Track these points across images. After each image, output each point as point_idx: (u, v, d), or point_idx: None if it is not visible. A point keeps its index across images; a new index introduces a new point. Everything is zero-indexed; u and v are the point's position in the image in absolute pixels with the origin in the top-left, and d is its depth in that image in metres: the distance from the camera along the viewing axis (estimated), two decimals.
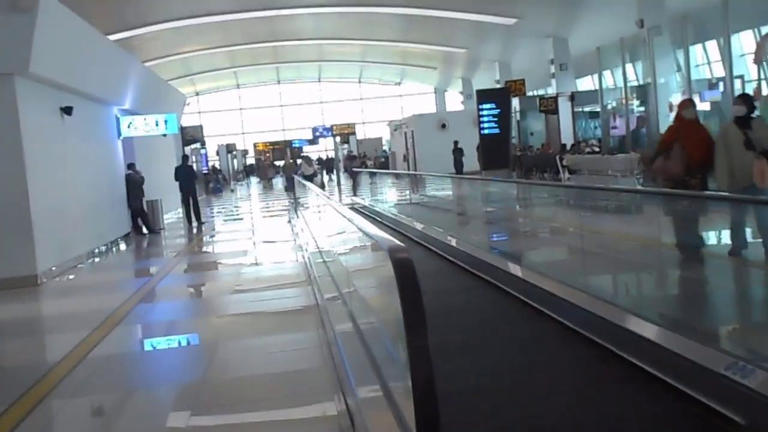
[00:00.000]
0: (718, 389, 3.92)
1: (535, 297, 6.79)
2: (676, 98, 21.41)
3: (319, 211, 12.75)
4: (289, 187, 27.89)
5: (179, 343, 7.20)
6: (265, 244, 14.90)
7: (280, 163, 48.40)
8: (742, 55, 22.15)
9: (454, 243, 10.32)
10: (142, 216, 17.53)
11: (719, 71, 24.33)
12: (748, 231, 6.69)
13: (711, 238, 7.77)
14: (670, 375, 4.32)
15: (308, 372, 5.57)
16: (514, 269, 7.86)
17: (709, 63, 25.81)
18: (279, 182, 42.85)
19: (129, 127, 17.73)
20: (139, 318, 8.43)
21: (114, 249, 15.50)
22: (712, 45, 25.13)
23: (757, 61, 17.92)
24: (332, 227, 9.31)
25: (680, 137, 8.11)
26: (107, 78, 16.08)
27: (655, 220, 8.73)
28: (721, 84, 22.39)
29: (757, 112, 7.95)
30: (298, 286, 9.14)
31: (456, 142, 30.01)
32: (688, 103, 8.57)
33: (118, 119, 17.50)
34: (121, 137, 17.64)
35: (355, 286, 5.89)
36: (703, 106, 21.65)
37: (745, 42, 22.48)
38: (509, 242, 11.37)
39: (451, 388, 4.49)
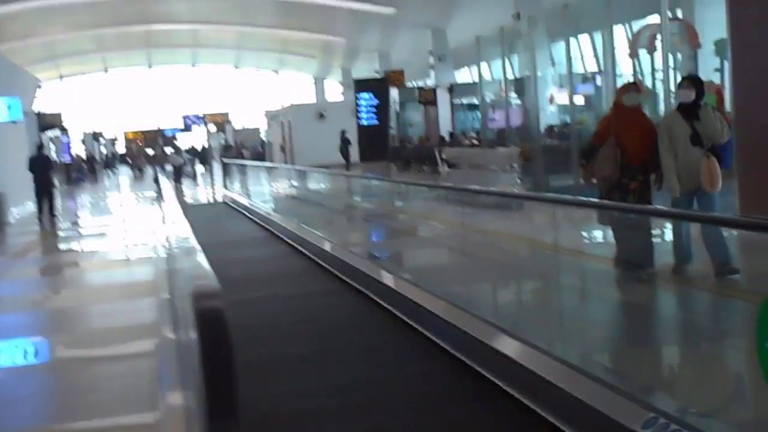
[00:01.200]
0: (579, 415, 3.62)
1: (400, 305, 6.26)
2: (554, 91, 21.35)
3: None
4: (157, 179, 26.38)
5: None
6: (117, 242, 13.66)
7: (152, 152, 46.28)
8: (617, 49, 22.34)
9: (322, 242, 9.56)
10: None
11: (592, 66, 24.58)
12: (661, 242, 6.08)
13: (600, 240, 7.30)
14: (526, 395, 4.04)
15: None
16: (383, 275, 7.15)
17: (582, 57, 26.05)
18: (151, 172, 40.91)
19: None
20: None
21: None
22: (585, 39, 25.35)
23: (633, 54, 17.95)
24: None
25: (618, 129, 6.48)
26: None
27: (537, 218, 8.19)
28: (598, 78, 22.49)
29: (704, 100, 6.45)
30: (143, 297, 8.10)
31: (343, 132, 29.21)
32: (629, 87, 6.85)
33: None
34: None
35: None
36: (576, 100, 21.70)
37: (618, 37, 22.68)
38: (381, 244, 10.73)
39: (296, 406, 4.28)
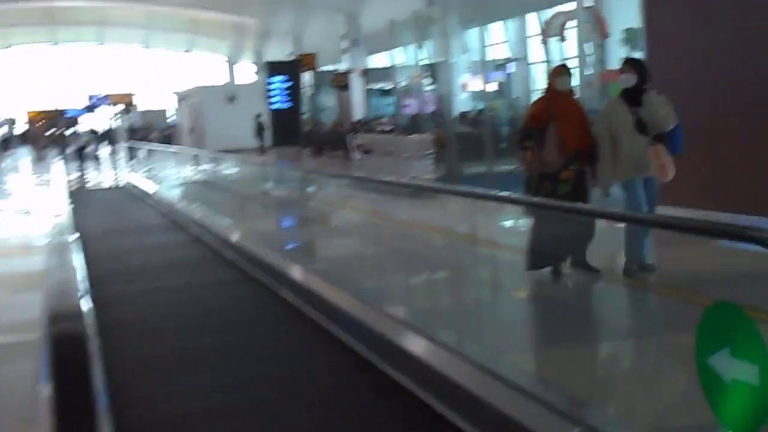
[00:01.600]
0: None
1: (305, 297, 6.01)
2: (467, 78, 21.34)
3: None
4: (59, 161, 25.23)
5: None
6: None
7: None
8: (529, 36, 22.49)
9: (228, 231, 9.21)
10: None
11: (504, 53, 24.69)
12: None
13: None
14: (431, 393, 3.86)
15: None
16: (289, 267, 6.86)
17: (493, 44, 26.14)
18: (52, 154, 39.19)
19: None
20: None
21: None
22: (497, 27, 25.43)
23: (545, 42, 18.05)
24: None
25: (554, 115, 6.00)
26: None
27: (452, 207, 8.01)
28: (510, 65, 22.59)
29: (648, 84, 5.98)
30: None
31: (258, 115, 28.55)
32: (561, 70, 6.28)
33: None
34: None
35: None
36: (489, 87, 21.76)
37: (530, 24, 22.83)
38: (289, 233, 10.41)
39: (191, 406, 4.11)
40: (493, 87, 22.48)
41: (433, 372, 3.97)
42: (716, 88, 7.58)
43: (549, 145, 5.92)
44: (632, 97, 5.86)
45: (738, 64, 7.43)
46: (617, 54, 17.18)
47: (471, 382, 3.66)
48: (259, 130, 28.05)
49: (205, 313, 6.35)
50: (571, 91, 6.25)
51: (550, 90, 6.23)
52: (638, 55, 15.45)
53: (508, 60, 23.21)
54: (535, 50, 20.94)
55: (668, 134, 5.78)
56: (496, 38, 25.47)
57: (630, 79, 5.87)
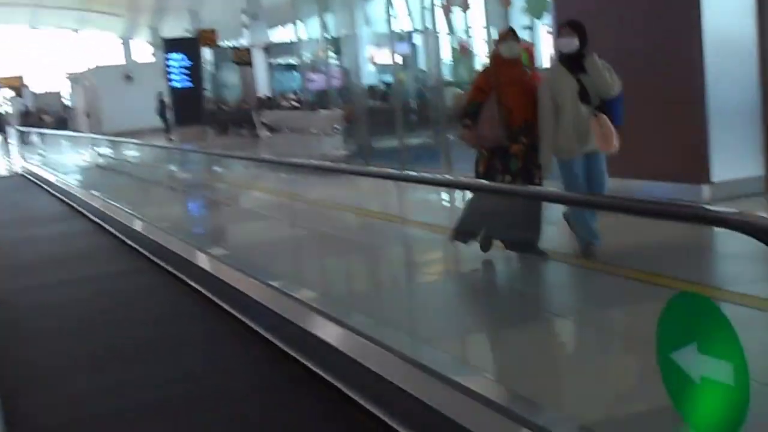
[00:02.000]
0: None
1: (212, 286, 5.74)
2: (373, 50, 21.06)
3: None
4: None
5: None
6: None
7: None
8: (433, 6, 22.31)
9: (130, 218, 8.74)
10: None
11: (409, 24, 24.47)
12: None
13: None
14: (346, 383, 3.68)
15: None
16: (194, 254, 6.51)
17: (397, 15, 25.90)
18: None
19: None
20: None
21: None
22: None
23: (447, 12, 17.87)
24: None
25: (497, 84, 5.48)
26: None
27: (364, 184, 7.76)
28: (414, 36, 22.36)
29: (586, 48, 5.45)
30: None
31: (160, 94, 27.55)
32: (507, 35, 5.65)
33: None
34: None
35: None
36: (397, 59, 21.53)
37: None
38: (194, 218, 10.00)
39: (83, 412, 3.87)
40: (400, 59, 22.29)
41: (348, 359, 3.80)
42: (623, 55, 7.49)
43: (484, 117, 5.43)
44: (574, 62, 5.36)
45: (645, 30, 7.38)
46: (520, 22, 17.19)
47: (392, 372, 3.47)
48: (162, 110, 27.13)
49: (102, 310, 5.97)
50: (519, 58, 5.67)
51: (494, 57, 5.75)
52: (541, 23, 15.47)
53: (413, 31, 23.00)
54: (441, 21, 20.78)
55: (608, 103, 5.34)
56: (400, 9, 25.19)
57: (570, 44, 5.36)
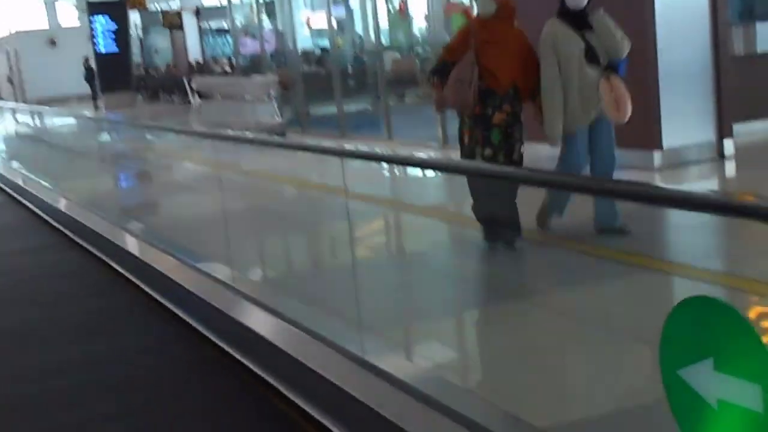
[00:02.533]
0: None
1: (130, 265, 5.42)
2: (308, 14, 20.45)
3: None
4: None
5: None
6: None
7: None
8: None
9: (48, 192, 8.21)
10: None
11: None
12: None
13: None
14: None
15: None
16: (111, 231, 6.07)
17: None
18: None
19: None
20: None
21: None
22: None
23: None
24: None
25: (477, 44, 4.76)
26: None
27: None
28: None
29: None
30: None
31: (86, 59, 26.33)
32: None
33: None
34: None
35: None
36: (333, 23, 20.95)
37: None
38: (116, 192, 9.47)
39: None
40: (335, 24, 21.69)
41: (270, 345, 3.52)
42: None
43: (451, 79, 4.74)
44: (579, 19, 4.74)
45: None
46: None
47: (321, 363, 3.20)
48: (90, 76, 25.97)
49: (12, 286, 5.72)
50: (509, 17, 4.85)
51: (474, 17, 5.12)
52: None
53: None
54: None
55: (612, 65, 4.75)
56: None
57: (580, 0, 4.72)
